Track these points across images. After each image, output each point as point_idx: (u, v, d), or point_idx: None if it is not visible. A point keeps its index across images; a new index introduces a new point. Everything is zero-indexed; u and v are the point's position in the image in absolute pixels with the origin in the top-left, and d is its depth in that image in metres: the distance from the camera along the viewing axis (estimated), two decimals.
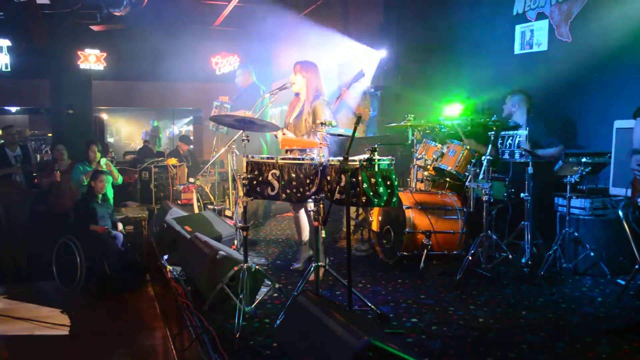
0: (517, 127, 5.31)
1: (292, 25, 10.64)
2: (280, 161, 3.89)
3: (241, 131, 4.01)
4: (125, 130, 20.75)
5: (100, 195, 6.55)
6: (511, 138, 5.42)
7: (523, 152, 4.70)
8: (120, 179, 7.62)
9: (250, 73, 7.65)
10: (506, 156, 5.27)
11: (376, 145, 3.64)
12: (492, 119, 4.84)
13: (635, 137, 3.83)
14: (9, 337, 4.91)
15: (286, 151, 4.85)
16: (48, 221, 7.45)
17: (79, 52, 12.35)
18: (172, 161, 8.95)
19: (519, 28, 6.22)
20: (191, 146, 12.00)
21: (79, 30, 11.70)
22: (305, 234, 5.04)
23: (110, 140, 18.64)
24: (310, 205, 4.44)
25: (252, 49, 12.32)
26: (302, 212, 4.95)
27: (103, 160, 7.40)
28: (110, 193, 7.15)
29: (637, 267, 3.91)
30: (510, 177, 5.02)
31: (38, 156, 12.54)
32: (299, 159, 3.89)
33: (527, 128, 5.25)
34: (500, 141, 5.55)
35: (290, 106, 5.10)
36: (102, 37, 12.13)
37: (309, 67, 4.89)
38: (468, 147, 5.24)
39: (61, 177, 7.70)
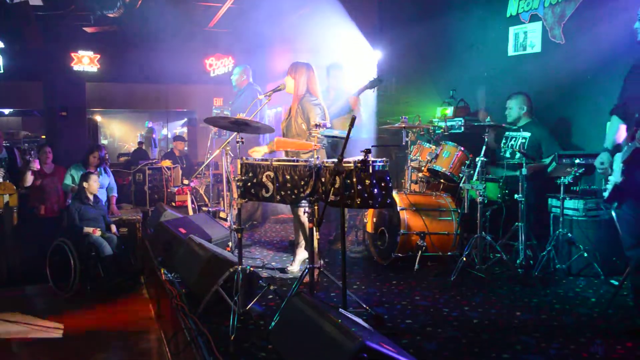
0: (517, 128, 5.34)
1: (287, 26, 10.65)
2: (274, 163, 3.89)
3: (235, 133, 4.01)
4: (119, 132, 20.69)
5: (92, 197, 6.52)
6: (514, 139, 5.42)
7: (519, 154, 4.73)
8: (114, 187, 7.59)
9: (248, 72, 7.64)
10: (507, 155, 5.27)
11: (370, 147, 3.64)
12: (486, 120, 4.86)
13: (608, 136, 3.88)
14: (2, 340, 4.88)
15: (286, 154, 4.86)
16: (42, 223, 7.41)
17: (72, 54, 12.30)
18: (166, 163, 8.93)
19: (512, 30, 6.24)
20: (186, 148, 12.02)
21: (73, 31, 11.66)
22: (301, 236, 5.04)
23: (104, 142, 18.59)
24: (305, 207, 4.45)
25: (247, 51, 12.32)
26: (299, 213, 4.95)
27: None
28: (102, 195, 7.13)
29: (629, 268, 3.92)
30: (504, 178, 5.03)
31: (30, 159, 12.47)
32: (293, 161, 3.89)
33: (530, 131, 5.27)
34: (503, 141, 5.56)
35: (287, 109, 5.13)
36: (96, 38, 12.09)
37: (297, 68, 4.90)
38: (462, 148, 5.26)
39: (47, 179, 7.64)
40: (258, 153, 4.76)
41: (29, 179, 7.36)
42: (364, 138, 6.56)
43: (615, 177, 3.63)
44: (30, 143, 14.11)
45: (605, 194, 3.71)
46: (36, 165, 7.29)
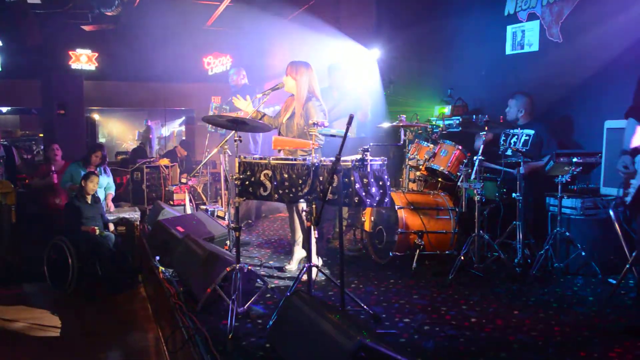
0: (514, 127, 5.33)
1: (285, 25, 10.65)
2: (272, 161, 3.89)
3: (234, 131, 4.00)
4: (117, 131, 20.65)
5: (90, 196, 6.51)
6: (515, 137, 5.39)
7: (515, 152, 4.73)
8: (113, 187, 7.56)
9: (243, 73, 7.67)
10: (508, 153, 5.27)
11: (368, 146, 3.65)
12: (484, 118, 4.85)
13: (626, 138, 3.86)
14: (0, 339, 4.88)
15: (279, 151, 4.85)
16: (39, 222, 7.40)
17: (70, 52, 12.28)
18: (164, 161, 8.91)
19: (510, 29, 6.24)
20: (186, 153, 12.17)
21: (71, 30, 11.64)
22: (299, 235, 5.04)
23: (102, 140, 18.55)
24: (303, 206, 4.45)
25: (245, 49, 12.31)
26: (295, 212, 4.95)
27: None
28: (100, 194, 7.11)
29: (628, 266, 3.93)
30: (502, 177, 5.03)
31: (29, 156, 12.47)
32: (291, 159, 3.89)
33: (533, 130, 5.26)
34: (503, 138, 5.54)
35: (284, 105, 5.10)
36: (94, 37, 12.07)
37: (299, 68, 4.86)
38: (460, 147, 5.26)
39: (57, 177, 7.65)
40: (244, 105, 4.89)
41: (39, 183, 7.48)
42: (362, 137, 6.58)
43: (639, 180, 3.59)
44: (28, 141, 14.10)
45: (628, 198, 3.68)
46: (54, 180, 7.42)
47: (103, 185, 7.31)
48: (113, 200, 7.63)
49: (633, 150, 3.74)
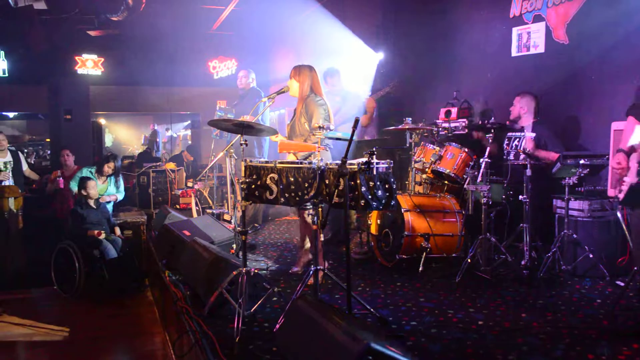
0: (521, 128, 5.32)
1: (290, 28, 10.68)
2: (278, 165, 3.89)
3: (239, 135, 4.01)
4: (123, 135, 20.76)
5: (94, 201, 6.53)
6: (517, 140, 5.38)
7: (523, 154, 4.71)
8: (120, 196, 7.50)
9: (251, 75, 7.68)
10: (511, 157, 5.25)
11: (374, 149, 3.64)
12: (490, 121, 4.84)
13: (624, 136, 3.85)
14: (8, 343, 4.90)
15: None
16: (47, 226, 7.44)
17: (76, 58, 12.35)
18: (171, 165, 8.94)
19: (515, 30, 6.23)
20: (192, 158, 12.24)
21: (77, 35, 11.71)
22: (306, 239, 5.03)
23: (108, 145, 18.65)
24: (309, 209, 4.45)
25: (250, 53, 12.36)
26: (304, 215, 4.95)
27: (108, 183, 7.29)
28: (109, 205, 7.10)
29: (636, 268, 3.90)
30: (508, 179, 5.01)
31: (34, 161, 12.55)
32: (297, 163, 3.89)
33: (534, 134, 5.24)
34: (506, 142, 5.52)
35: (291, 110, 5.15)
36: (100, 42, 12.14)
37: (301, 70, 4.91)
38: (466, 149, 5.24)
39: (66, 182, 7.68)
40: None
41: (50, 188, 7.54)
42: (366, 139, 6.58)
43: (631, 178, 3.60)
44: (36, 146, 14.20)
45: (621, 195, 3.68)
46: (60, 185, 7.45)
47: (111, 193, 7.26)
48: (120, 204, 7.62)
49: (629, 149, 3.73)
